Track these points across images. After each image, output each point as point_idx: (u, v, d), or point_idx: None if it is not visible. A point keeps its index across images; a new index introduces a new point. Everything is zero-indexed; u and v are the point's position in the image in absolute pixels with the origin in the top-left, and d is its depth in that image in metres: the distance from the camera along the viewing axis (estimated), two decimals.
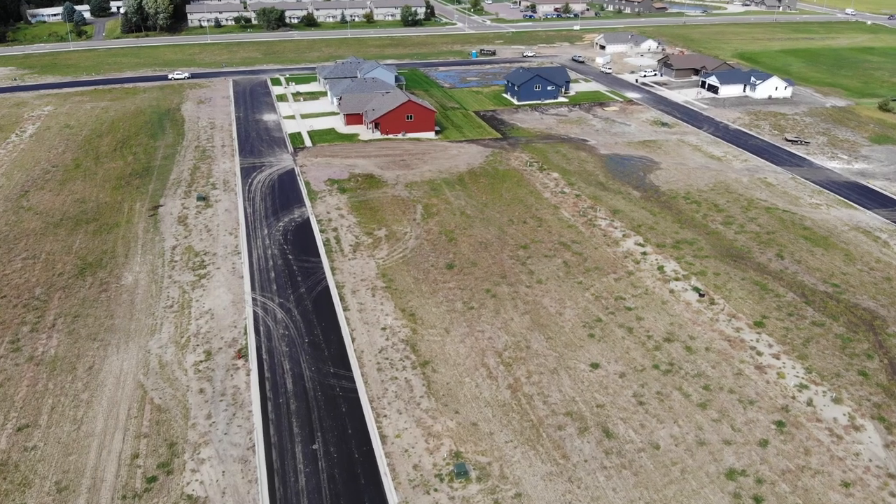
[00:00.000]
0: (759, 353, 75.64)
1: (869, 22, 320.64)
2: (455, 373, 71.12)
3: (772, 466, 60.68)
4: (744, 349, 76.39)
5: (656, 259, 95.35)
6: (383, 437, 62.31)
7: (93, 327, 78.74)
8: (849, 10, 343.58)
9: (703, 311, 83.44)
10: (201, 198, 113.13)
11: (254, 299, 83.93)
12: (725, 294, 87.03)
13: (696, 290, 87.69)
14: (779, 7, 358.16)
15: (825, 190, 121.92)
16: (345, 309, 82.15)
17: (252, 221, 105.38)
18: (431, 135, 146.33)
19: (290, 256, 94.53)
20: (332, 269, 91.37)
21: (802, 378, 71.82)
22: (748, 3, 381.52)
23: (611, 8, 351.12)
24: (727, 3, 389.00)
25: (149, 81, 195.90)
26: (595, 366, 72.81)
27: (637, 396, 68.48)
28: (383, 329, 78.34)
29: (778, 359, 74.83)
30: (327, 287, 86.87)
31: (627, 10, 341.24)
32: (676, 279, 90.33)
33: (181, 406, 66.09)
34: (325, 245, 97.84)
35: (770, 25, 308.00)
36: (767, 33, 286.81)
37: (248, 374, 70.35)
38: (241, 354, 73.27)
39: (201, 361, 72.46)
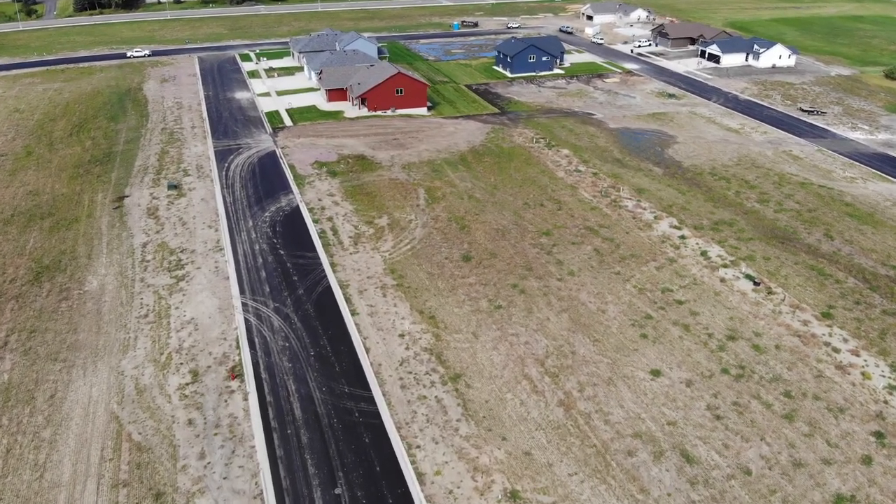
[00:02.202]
0: (836, 350, 65.70)
1: None
2: (493, 388, 59.78)
3: (882, 489, 50.79)
4: (818, 346, 66.38)
5: (697, 243, 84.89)
6: (420, 475, 50.80)
7: (53, 345, 65.64)
8: None
9: (763, 302, 73.23)
10: (173, 186, 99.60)
11: (244, 305, 71.38)
12: (782, 281, 76.96)
13: (750, 277, 77.47)
14: None
15: (856, 162, 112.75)
16: (353, 313, 70.10)
17: (233, 212, 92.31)
18: (424, 111, 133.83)
19: (282, 252, 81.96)
20: (333, 265, 79.11)
21: (890, 378, 62.09)
22: None
23: None
24: None
25: (106, 60, 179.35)
26: (656, 373, 62.09)
27: (712, 409, 57.97)
28: (401, 336, 66.55)
29: (857, 355, 64.98)
30: (329, 287, 74.65)
31: None
32: (724, 266, 79.98)
33: (167, 443, 53.74)
34: (320, 237, 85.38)
35: None
36: (753, 3, 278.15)
37: (245, 399, 58.16)
38: (236, 374, 60.96)
39: (187, 384, 60.00)
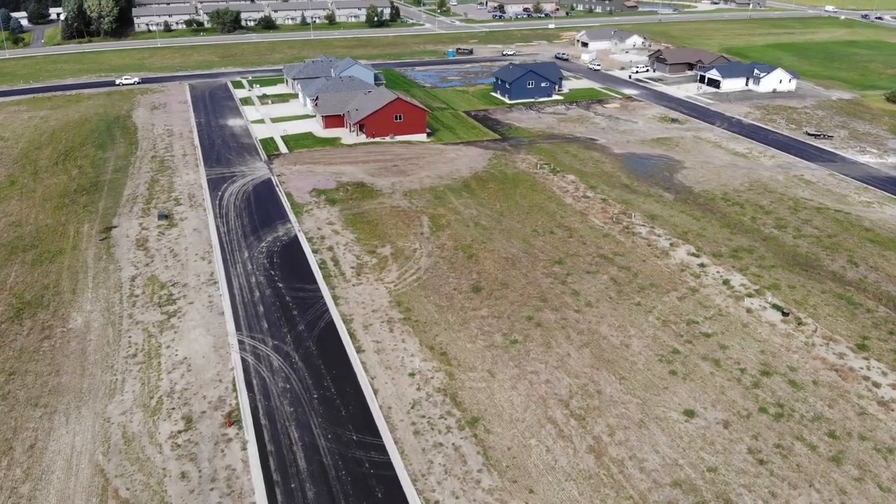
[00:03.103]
0: (876, 385, 61.32)
1: (842, 17, 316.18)
2: (515, 433, 54.83)
3: None
4: (857, 380, 61.97)
5: (718, 272, 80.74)
6: None
7: (33, 388, 60.25)
8: (829, 7, 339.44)
9: (793, 333, 68.89)
10: (163, 216, 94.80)
11: (241, 342, 66.28)
12: (811, 312, 72.75)
13: (778, 308, 73.23)
14: (749, 5, 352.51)
15: (870, 186, 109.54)
16: (358, 350, 65.13)
17: (228, 242, 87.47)
18: (423, 137, 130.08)
19: (280, 284, 77.07)
20: (335, 298, 74.25)
21: None
22: (717, 1, 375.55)
23: (581, 7, 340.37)
24: (697, 1, 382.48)
25: (94, 88, 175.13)
26: (690, 413, 57.37)
27: (754, 453, 53.22)
28: (411, 375, 61.59)
29: None
30: (332, 322, 69.72)
31: (598, 9, 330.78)
32: (749, 295, 75.75)
33: (157, 500, 48.30)
34: (321, 268, 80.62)
35: (746, 21, 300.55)
36: (746, 29, 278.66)
37: (244, 448, 52.90)
38: (233, 420, 55.75)
39: (180, 432, 54.69)
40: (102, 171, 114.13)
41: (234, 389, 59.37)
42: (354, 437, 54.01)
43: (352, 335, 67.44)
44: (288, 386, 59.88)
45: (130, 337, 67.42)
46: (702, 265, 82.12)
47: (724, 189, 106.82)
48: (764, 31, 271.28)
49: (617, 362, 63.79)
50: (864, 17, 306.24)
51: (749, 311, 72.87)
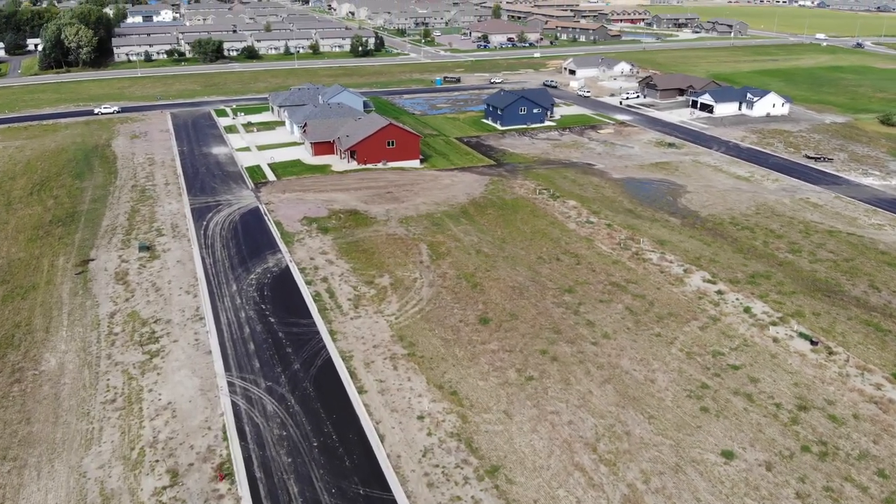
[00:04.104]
0: None
1: (824, 44, 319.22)
2: (541, 482, 49.38)
3: None
4: None
5: (737, 299, 76.38)
6: None
7: (1, 439, 54.06)
8: (819, 35, 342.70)
9: (825, 364, 64.42)
10: (144, 247, 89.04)
11: (230, 384, 60.46)
12: (840, 340, 68.44)
13: (806, 337, 68.82)
14: (730, 33, 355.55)
15: (878, 209, 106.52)
16: (360, 391, 59.57)
17: (215, 275, 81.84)
18: (416, 163, 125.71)
19: (272, 319, 71.46)
20: (332, 333, 68.74)
21: None
22: (698, 30, 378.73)
23: (564, 37, 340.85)
24: (678, 30, 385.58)
25: (72, 117, 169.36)
26: (728, 455, 52.35)
27: (803, 497, 48.25)
28: (420, 418, 56.08)
29: None
30: (330, 360, 64.16)
31: (582, 39, 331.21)
32: (773, 323, 71.36)
33: None
34: (315, 301, 75.16)
35: (729, 49, 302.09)
36: (731, 56, 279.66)
37: None
38: (224, 473, 49.81)
39: (165, 488, 48.64)
40: (79, 201, 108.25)
41: (225, 438, 53.48)
42: (361, 492, 48.27)
43: (352, 374, 61.90)
44: (284, 433, 54.10)
45: (109, 380, 61.35)
46: (719, 292, 77.74)
47: (731, 213, 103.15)
48: (749, 59, 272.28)
49: (643, 399, 58.76)
50: (858, 45, 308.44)
51: (776, 340, 68.38)
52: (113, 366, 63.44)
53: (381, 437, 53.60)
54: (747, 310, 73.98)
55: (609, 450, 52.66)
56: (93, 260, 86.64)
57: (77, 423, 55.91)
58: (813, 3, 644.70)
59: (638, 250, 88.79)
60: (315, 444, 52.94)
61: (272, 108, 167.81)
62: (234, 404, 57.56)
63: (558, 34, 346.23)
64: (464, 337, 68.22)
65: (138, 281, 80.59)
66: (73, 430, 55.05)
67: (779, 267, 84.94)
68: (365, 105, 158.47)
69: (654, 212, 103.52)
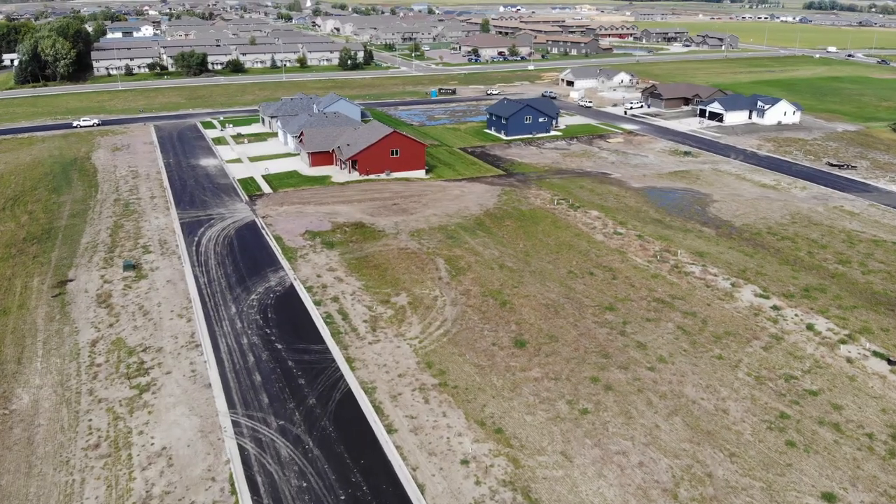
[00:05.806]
0: None
1: (817, 55, 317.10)
2: None
3: None
4: None
5: (796, 314, 68.74)
6: None
7: None
8: (831, 48, 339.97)
9: None
10: (130, 266, 79.90)
11: (236, 424, 51.47)
12: None
13: (881, 356, 61.22)
14: (721, 46, 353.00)
15: None
16: (389, 430, 50.84)
17: (210, 296, 72.84)
18: (422, 173, 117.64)
19: (280, 345, 62.60)
20: (349, 360, 60.02)
21: None
22: (689, 43, 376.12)
23: (555, 51, 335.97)
24: (668, 44, 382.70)
25: (49, 130, 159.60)
26: (830, 498, 44.26)
27: None
28: (464, 463, 47.43)
29: None
30: (350, 392, 55.42)
31: (574, 52, 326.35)
32: (842, 342, 63.72)
33: None
34: (327, 323, 66.41)
35: (723, 61, 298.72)
36: (726, 68, 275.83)
37: None
38: None
39: None
40: (57, 216, 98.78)
41: (234, 491, 44.46)
42: None
43: (378, 409, 53.18)
44: (304, 484, 45.19)
45: (91, 420, 52.11)
46: (775, 307, 70.08)
47: (766, 223, 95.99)
48: (744, 70, 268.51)
49: (719, 433, 50.59)
50: (850, 56, 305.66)
51: (850, 360, 60.70)
52: (96, 403, 54.17)
53: (421, 488, 44.87)
54: (810, 327, 66.32)
55: (692, 496, 44.32)
56: (71, 280, 77.28)
57: (54, 474, 46.62)
58: (795, 19, 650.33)
59: (676, 263, 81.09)
60: (343, 497, 44.08)
61: (263, 120, 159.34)
62: (241, 449, 48.56)
63: (549, 48, 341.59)
64: (500, 363, 59.79)
65: (123, 304, 71.35)
66: (50, 484, 45.77)
67: (831, 279, 77.59)
68: (362, 115, 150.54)
69: (684, 222, 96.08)
